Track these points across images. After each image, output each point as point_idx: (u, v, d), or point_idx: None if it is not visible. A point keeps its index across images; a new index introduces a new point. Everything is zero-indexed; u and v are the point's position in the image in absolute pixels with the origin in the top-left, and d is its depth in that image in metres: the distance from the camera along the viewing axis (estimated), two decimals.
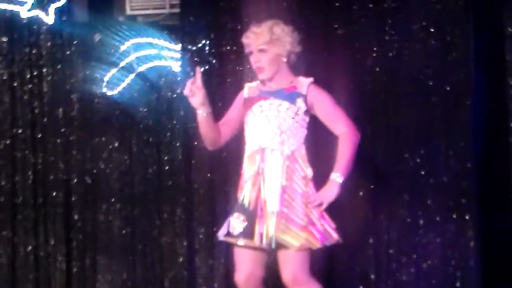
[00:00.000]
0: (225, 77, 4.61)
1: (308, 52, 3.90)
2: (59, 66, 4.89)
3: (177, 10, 4.75)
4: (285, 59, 3.32)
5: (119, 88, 4.88)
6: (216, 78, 4.60)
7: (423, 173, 4.29)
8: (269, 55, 3.31)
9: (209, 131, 3.34)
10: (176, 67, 4.80)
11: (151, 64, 4.84)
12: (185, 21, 4.66)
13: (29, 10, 4.81)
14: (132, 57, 4.86)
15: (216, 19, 4.61)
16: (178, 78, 4.70)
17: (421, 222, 4.26)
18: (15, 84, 4.85)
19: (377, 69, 4.37)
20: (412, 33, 4.32)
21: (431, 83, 4.30)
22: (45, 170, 4.80)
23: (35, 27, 4.83)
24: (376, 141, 4.32)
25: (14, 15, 4.83)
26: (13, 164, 4.79)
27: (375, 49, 4.36)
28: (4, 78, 4.87)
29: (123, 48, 4.85)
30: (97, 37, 4.87)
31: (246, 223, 3.20)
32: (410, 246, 4.22)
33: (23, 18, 4.83)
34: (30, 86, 4.82)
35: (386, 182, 4.29)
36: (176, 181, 4.73)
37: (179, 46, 4.71)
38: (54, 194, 4.87)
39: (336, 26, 4.38)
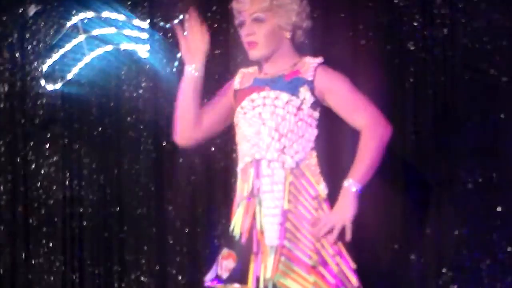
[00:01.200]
0: (212, 64, 3.91)
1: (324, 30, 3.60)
2: None
3: None
4: (288, 35, 2.97)
5: (64, 81, 4.48)
6: None
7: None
8: (267, 26, 2.95)
9: (190, 106, 3.01)
10: (143, 51, 4.32)
11: (107, 48, 4.38)
12: None
13: None
14: (81, 38, 4.41)
15: None
16: (147, 67, 4.26)
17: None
18: None
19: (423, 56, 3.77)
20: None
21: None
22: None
23: None
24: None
25: None
26: None
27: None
28: None
29: (68, 25, 4.43)
30: (32, 10, 4.46)
31: (236, 263, 2.88)
32: None
33: None
34: None
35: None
36: (144, 206, 4.32)
37: (146, 23, 4.28)
38: None
39: None
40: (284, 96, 2.90)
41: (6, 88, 4.46)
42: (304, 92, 2.91)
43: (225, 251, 2.93)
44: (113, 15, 4.30)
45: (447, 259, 3.71)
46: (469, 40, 3.69)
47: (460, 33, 3.73)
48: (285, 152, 2.87)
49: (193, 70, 3.00)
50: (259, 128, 2.91)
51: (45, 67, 4.42)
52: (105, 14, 4.30)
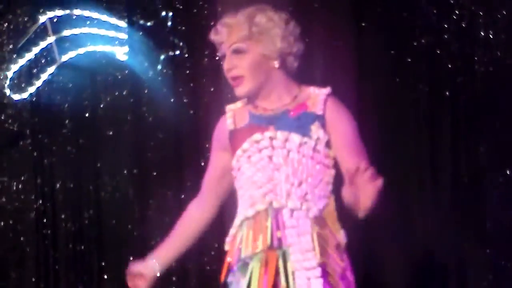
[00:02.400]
0: (199, 67, 4.07)
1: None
2: None
3: None
4: (277, 64, 2.71)
5: (33, 89, 4.34)
6: (185, 69, 4.10)
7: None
8: (250, 57, 2.73)
9: (192, 238, 2.88)
10: (122, 53, 4.22)
11: (81, 51, 4.27)
12: None
13: None
14: (50, 40, 4.26)
15: None
16: (126, 71, 4.19)
17: None
18: None
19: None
20: None
21: None
22: None
23: None
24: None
25: None
26: None
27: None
28: None
29: (35, 26, 4.29)
30: None
31: None
32: None
33: None
34: None
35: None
36: (125, 230, 4.21)
37: (125, 22, 4.18)
38: None
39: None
40: (296, 137, 2.70)
41: None
42: (316, 130, 2.72)
43: None
44: (87, 13, 4.21)
45: None
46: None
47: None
48: (308, 199, 2.70)
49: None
50: (271, 173, 2.70)
51: (9, 74, 4.27)
52: (77, 12, 4.17)
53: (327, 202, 2.73)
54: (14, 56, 4.30)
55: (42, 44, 4.24)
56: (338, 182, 2.79)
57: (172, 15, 4.11)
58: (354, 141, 2.76)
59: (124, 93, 4.22)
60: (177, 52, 4.13)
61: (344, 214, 2.69)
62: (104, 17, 4.28)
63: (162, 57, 4.17)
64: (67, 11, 4.25)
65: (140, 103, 4.14)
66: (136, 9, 4.17)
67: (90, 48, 4.27)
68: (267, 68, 2.71)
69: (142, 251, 3.95)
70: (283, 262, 2.67)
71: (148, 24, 4.15)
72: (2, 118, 4.32)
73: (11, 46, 4.31)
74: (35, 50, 4.25)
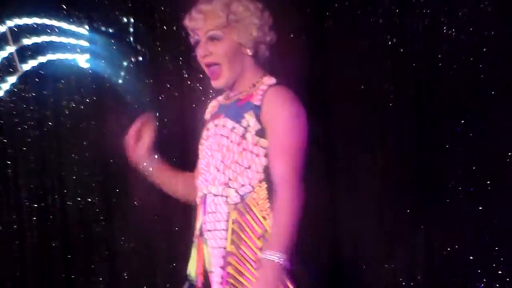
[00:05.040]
0: (165, 74, 4.10)
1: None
2: None
3: None
4: (250, 52, 2.74)
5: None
6: (149, 77, 4.12)
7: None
8: (226, 44, 2.74)
9: (170, 187, 2.99)
10: (83, 61, 4.20)
11: (42, 59, 4.23)
12: None
13: None
14: (10, 49, 4.24)
15: None
16: (88, 78, 4.17)
17: None
18: None
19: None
20: None
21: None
22: None
23: None
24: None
25: None
26: None
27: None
28: None
29: None
30: None
31: None
32: None
33: None
34: None
35: None
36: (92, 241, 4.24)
37: (86, 28, 4.17)
38: None
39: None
40: (229, 123, 2.73)
41: None
42: (249, 118, 2.71)
43: None
44: (47, 22, 4.17)
45: None
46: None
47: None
48: (230, 185, 2.71)
49: (147, 168, 2.91)
50: (208, 159, 2.76)
51: None
52: (38, 20, 4.13)
53: (253, 189, 2.71)
54: None
55: (2, 54, 4.21)
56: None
57: (134, 21, 4.10)
58: (280, 142, 2.72)
59: (87, 100, 4.13)
60: (140, 58, 4.11)
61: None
62: (65, 25, 4.22)
63: (125, 63, 4.10)
64: (27, 20, 4.17)
65: (103, 110, 4.08)
66: (97, 16, 4.13)
67: (52, 56, 4.21)
68: (242, 56, 2.72)
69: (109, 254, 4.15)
70: (206, 248, 2.75)
71: (110, 30, 4.16)
72: None
73: None
74: None
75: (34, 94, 4.23)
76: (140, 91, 4.16)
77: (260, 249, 2.68)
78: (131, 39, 4.16)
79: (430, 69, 3.82)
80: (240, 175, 2.70)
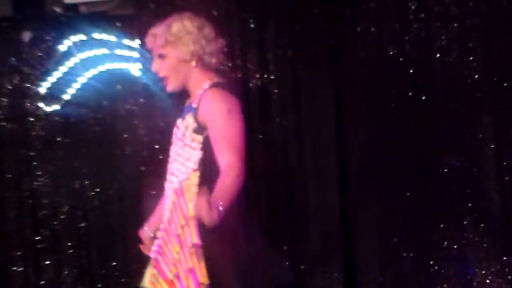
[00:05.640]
0: None
1: None
2: None
3: None
4: (194, 63, 3.00)
5: (61, 102, 4.52)
6: None
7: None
8: (169, 60, 3.03)
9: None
10: (135, 69, 4.41)
11: (101, 68, 4.46)
12: (142, 9, 4.34)
13: None
14: (75, 60, 4.46)
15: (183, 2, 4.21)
16: (140, 85, 4.40)
17: None
18: None
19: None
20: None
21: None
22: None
23: None
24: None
25: None
26: None
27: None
28: None
29: (62, 48, 4.43)
30: (27, 36, 4.43)
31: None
32: None
33: None
34: None
35: None
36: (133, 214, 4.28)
37: (137, 42, 4.36)
38: None
39: None
40: (179, 123, 3.04)
41: (7, 113, 4.47)
42: (188, 118, 3.00)
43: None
44: (104, 36, 4.37)
45: None
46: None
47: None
48: (175, 174, 3.01)
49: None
50: (171, 152, 3.09)
51: (42, 90, 4.46)
52: (96, 36, 4.37)
53: (188, 177, 2.93)
54: (46, 75, 4.46)
55: (69, 64, 4.45)
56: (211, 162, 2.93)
57: None
58: (218, 137, 2.89)
59: (139, 103, 4.40)
60: None
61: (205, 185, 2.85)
62: (119, 39, 4.43)
63: None
64: (88, 36, 4.42)
65: (152, 111, 4.33)
66: (145, 30, 4.03)
67: (109, 66, 4.45)
68: (186, 67, 2.98)
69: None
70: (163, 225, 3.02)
71: None
72: (37, 127, 4.46)
73: (43, 67, 4.44)
74: (63, 68, 4.45)
75: (94, 100, 4.46)
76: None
77: (182, 226, 2.89)
78: None
79: (425, 74, 4.21)
80: (182, 165, 2.98)
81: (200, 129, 2.94)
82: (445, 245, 4.16)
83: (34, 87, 4.45)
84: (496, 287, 4.10)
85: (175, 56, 2.99)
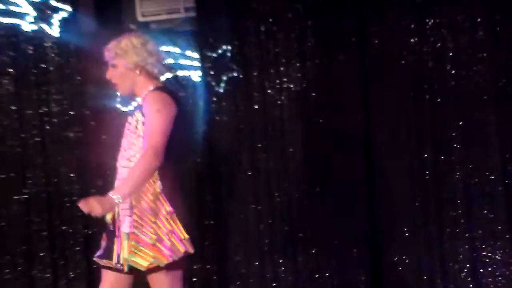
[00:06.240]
0: (251, 85, 4.70)
1: None
2: (67, 83, 4.78)
3: (192, 14, 4.73)
4: (138, 72, 3.35)
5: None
6: (241, 87, 4.70)
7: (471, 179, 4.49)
8: (118, 70, 3.39)
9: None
10: (196, 76, 4.76)
11: (168, 75, 4.61)
12: (202, 26, 4.67)
13: (31, 23, 4.64)
14: None
15: (237, 21, 4.64)
16: (201, 88, 4.71)
17: None
18: (21, 105, 4.72)
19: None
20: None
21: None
22: (57, 192, 4.71)
23: (39, 41, 4.67)
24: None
25: (15, 29, 4.66)
26: (24, 187, 4.71)
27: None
28: (8, 98, 4.73)
29: None
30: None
31: (106, 243, 3.35)
32: None
33: (25, 32, 4.66)
34: (37, 105, 4.70)
35: None
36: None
37: (197, 54, 4.72)
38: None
39: None
40: (129, 119, 3.37)
41: (91, 112, 4.70)
42: (137, 114, 3.32)
43: (104, 234, 3.41)
44: (171, 48, 4.72)
45: None
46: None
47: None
48: (131, 160, 3.30)
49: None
50: (122, 144, 3.39)
51: (119, 93, 4.04)
52: (164, 48, 4.41)
53: None
54: None
55: None
56: None
57: (231, 48, 4.71)
58: (147, 127, 3.20)
59: (200, 103, 4.69)
60: (234, 74, 4.72)
61: (161, 170, 3.19)
62: (183, 51, 4.79)
63: (224, 77, 4.72)
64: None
65: (209, 109, 4.64)
66: (205, 43, 4.69)
67: (174, 73, 4.74)
68: (132, 75, 3.33)
69: None
70: (118, 204, 3.25)
71: (214, 55, 4.71)
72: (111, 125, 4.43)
73: None
74: None
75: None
76: (232, 99, 4.70)
77: (153, 201, 3.23)
78: (229, 62, 4.69)
79: (440, 79, 4.49)
80: (136, 152, 3.28)
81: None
82: None
83: (112, 91, 4.38)
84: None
85: (123, 66, 3.35)
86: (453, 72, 4.47)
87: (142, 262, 3.26)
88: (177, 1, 4.78)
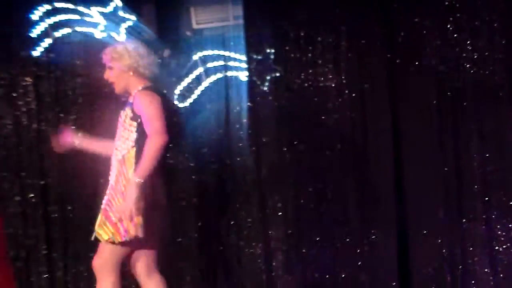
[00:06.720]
0: (291, 84, 4.96)
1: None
2: None
3: (240, 21, 4.96)
4: (131, 73, 3.63)
5: (190, 100, 5.11)
6: (282, 86, 4.97)
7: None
8: (114, 71, 3.66)
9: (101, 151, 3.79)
10: (243, 77, 5.02)
11: (218, 76, 5.06)
12: (249, 32, 4.92)
13: (102, 31, 4.99)
14: (200, 69, 5.06)
15: (278, 27, 4.89)
16: (245, 88, 5.00)
17: None
18: (95, 106, 5.05)
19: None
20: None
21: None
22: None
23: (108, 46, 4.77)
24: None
25: (89, 37, 5.01)
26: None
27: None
28: (82, 101, 5.08)
29: (191, 61, 5.09)
30: (167, 52, 5.02)
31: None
32: None
33: (97, 39, 4.98)
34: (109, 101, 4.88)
35: None
36: (245, 184, 5.01)
37: (244, 56, 4.97)
38: None
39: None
40: (121, 113, 3.64)
41: None
42: (127, 110, 3.60)
43: None
44: (221, 52, 5.08)
45: None
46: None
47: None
48: (119, 149, 3.60)
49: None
50: (116, 135, 3.66)
51: (176, 91, 5.05)
52: (215, 51, 5.06)
53: (127, 152, 3.55)
54: (179, 81, 5.04)
55: (195, 72, 5.06)
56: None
57: (273, 51, 4.91)
58: (146, 116, 3.49)
59: (246, 101, 4.95)
60: (278, 74, 4.97)
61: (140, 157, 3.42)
62: (232, 54, 5.09)
63: (268, 77, 4.99)
64: (210, 52, 5.07)
65: (254, 108, 4.94)
66: (250, 47, 4.92)
67: (223, 74, 5.05)
68: (126, 76, 3.61)
69: None
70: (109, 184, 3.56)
71: (259, 57, 4.95)
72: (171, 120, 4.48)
73: (178, 73, 5.04)
74: (191, 75, 5.06)
75: (212, 99, 5.04)
76: (274, 95, 4.94)
77: (125, 186, 3.48)
78: (272, 63, 4.93)
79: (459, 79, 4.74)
80: (123, 143, 3.57)
81: (135, 117, 3.58)
82: None
83: (171, 89, 4.97)
84: None
85: (118, 68, 3.63)
86: (472, 71, 4.73)
87: (104, 236, 3.57)
88: (227, 10, 5.05)
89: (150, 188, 3.50)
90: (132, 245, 3.58)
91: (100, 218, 3.60)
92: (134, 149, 3.58)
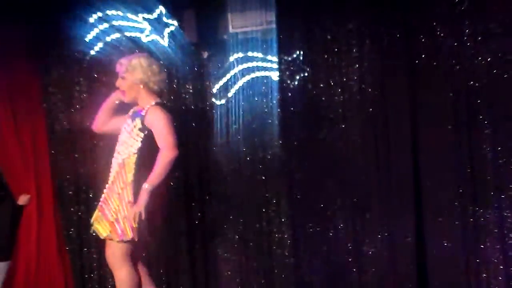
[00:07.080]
0: (318, 83, 5.20)
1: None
2: (175, 82, 5.41)
3: (273, 25, 5.20)
4: (141, 86, 3.91)
5: (226, 98, 5.37)
6: (310, 85, 5.21)
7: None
8: (127, 82, 3.94)
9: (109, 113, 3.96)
10: (275, 76, 5.26)
11: (252, 75, 5.32)
12: (280, 35, 5.14)
13: (147, 36, 5.27)
14: (236, 70, 5.33)
15: (308, 31, 5.10)
16: (275, 87, 5.27)
17: None
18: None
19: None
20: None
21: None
22: None
23: (154, 49, 5.31)
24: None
25: (136, 41, 5.33)
26: None
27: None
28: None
29: (228, 62, 5.36)
30: (206, 54, 5.39)
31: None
32: None
33: (144, 43, 5.31)
34: None
35: None
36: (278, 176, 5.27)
37: (276, 57, 5.21)
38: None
39: None
40: (129, 121, 3.88)
41: (193, 105, 5.26)
42: (137, 121, 3.84)
43: None
44: (254, 54, 5.35)
45: None
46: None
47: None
48: (120, 154, 3.84)
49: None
50: (120, 139, 3.90)
51: (214, 90, 5.35)
52: (249, 54, 5.33)
53: (128, 156, 3.81)
54: (217, 80, 5.34)
55: (232, 72, 5.31)
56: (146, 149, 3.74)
57: (303, 53, 5.08)
58: (159, 130, 3.72)
59: (277, 98, 5.16)
60: (306, 74, 5.12)
61: (141, 166, 3.70)
62: (265, 55, 5.32)
63: (297, 77, 5.13)
64: (244, 54, 5.25)
65: (284, 108, 5.12)
66: (282, 49, 5.10)
67: (257, 74, 5.32)
68: (137, 88, 3.87)
69: None
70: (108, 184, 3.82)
71: (289, 58, 5.12)
72: (209, 116, 5.30)
73: (215, 73, 5.34)
74: (228, 75, 5.32)
75: (247, 97, 5.28)
76: (303, 94, 5.11)
77: (122, 188, 3.75)
78: (301, 64, 5.09)
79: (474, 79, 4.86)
80: (126, 148, 3.81)
81: (143, 129, 3.83)
82: None
83: (209, 88, 5.36)
84: None
85: (130, 80, 3.88)
86: (486, 72, 4.86)
87: (102, 232, 3.81)
88: (261, 16, 5.25)
89: (156, 195, 3.77)
90: (132, 243, 3.84)
91: (96, 213, 3.89)
92: (136, 156, 3.84)
